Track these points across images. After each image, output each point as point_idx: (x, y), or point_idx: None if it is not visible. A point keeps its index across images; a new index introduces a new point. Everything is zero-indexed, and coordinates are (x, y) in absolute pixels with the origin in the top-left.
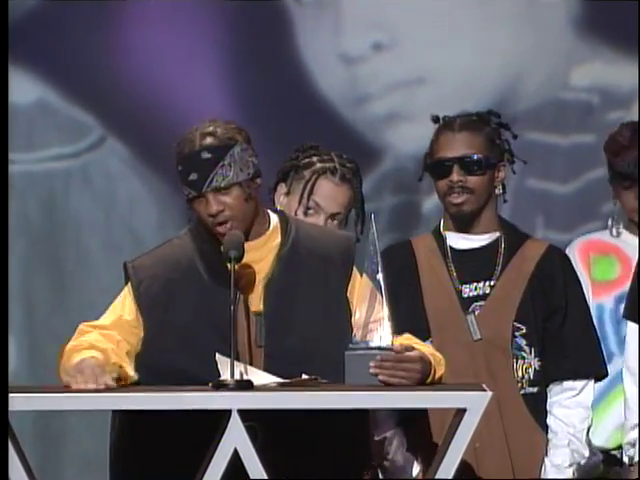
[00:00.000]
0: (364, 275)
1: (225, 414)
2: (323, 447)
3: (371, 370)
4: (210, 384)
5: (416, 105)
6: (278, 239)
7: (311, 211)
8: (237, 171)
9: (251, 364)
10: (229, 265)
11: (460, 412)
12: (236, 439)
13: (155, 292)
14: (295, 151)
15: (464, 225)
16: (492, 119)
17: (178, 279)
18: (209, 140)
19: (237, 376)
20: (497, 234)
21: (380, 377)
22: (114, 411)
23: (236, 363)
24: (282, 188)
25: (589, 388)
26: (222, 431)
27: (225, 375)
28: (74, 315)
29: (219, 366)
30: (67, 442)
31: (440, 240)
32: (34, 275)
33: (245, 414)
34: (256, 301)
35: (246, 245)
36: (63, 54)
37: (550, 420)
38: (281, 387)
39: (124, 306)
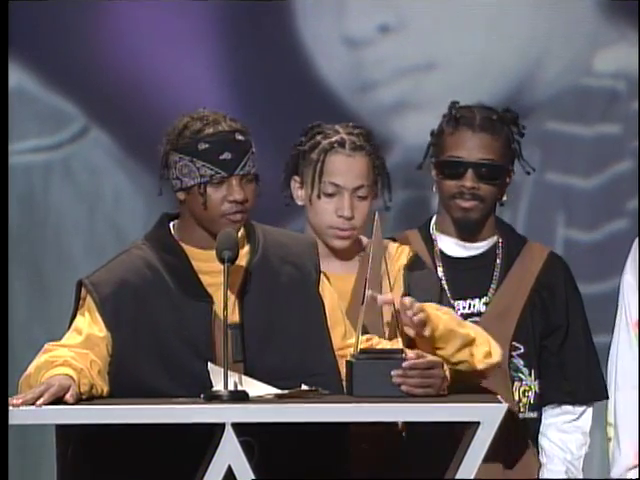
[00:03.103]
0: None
1: (218, 428)
2: (325, 465)
3: (394, 379)
4: (202, 395)
5: (426, 93)
6: (246, 247)
7: (331, 196)
8: (256, 164)
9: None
10: (223, 266)
11: (473, 426)
12: (230, 456)
13: (123, 308)
14: (299, 137)
15: (466, 232)
16: (509, 118)
17: (146, 294)
18: (238, 124)
19: (231, 387)
20: (494, 239)
21: (403, 387)
22: (66, 425)
23: (230, 373)
24: (296, 181)
25: (588, 413)
26: (214, 447)
27: (218, 386)
28: (55, 322)
29: (211, 375)
30: (46, 456)
31: (430, 243)
32: (11, 278)
33: (240, 428)
34: (230, 313)
35: (213, 254)
36: (43, 37)
37: (544, 443)
38: (279, 399)
39: (92, 323)
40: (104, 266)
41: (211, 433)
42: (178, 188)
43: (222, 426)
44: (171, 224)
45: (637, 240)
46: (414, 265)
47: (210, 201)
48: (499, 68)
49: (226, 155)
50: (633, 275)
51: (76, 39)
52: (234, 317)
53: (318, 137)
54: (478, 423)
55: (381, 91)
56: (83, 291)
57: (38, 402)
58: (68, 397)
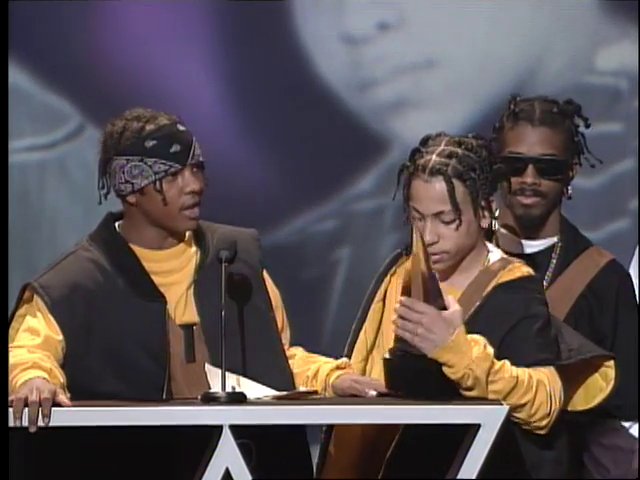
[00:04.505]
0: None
1: (215, 430)
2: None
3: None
4: (199, 397)
5: (426, 91)
6: (194, 247)
7: (418, 220)
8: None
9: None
10: (221, 266)
11: (473, 428)
12: (228, 458)
13: (75, 312)
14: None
15: (528, 229)
16: (572, 110)
17: (98, 296)
18: (174, 116)
19: (229, 388)
20: (554, 240)
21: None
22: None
23: (228, 374)
24: None
25: (633, 430)
26: (212, 450)
27: (215, 387)
28: None
29: (208, 377)
30: None
31: (488, 238)
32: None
33: (238, 430)
34: (180, 313)
35: (163, 254)
36: (37, 35)
37: (585, 458)
38: (277, 400)
39: (46, 326)
40: (51, 268)
41: (209, 435)
42: (129, 191)
43: (220, 428)
44: (116, 224)
45: (639, 247)
46: (513, 285)
47: (168, 197)
48: (500, 66)
49: (175, 147)
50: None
51: (71, 37)
52: (187, 317)
53: (416, 155)
54: (479, 425)
55: (380, 89)
56: (27, 294)
57: (43, 423)
58: (62, 400)
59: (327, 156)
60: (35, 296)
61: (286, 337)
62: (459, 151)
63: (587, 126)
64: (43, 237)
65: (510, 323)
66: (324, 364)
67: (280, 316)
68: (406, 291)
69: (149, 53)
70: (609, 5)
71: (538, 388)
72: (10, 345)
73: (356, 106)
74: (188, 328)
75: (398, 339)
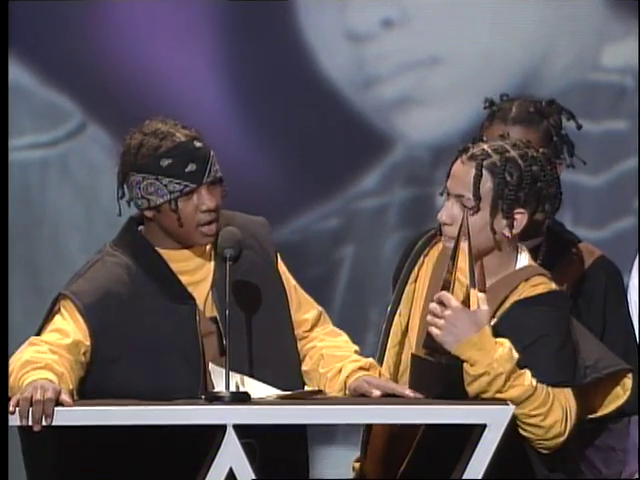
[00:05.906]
0: None
1: (219, 430)
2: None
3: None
4: (203, 396)
5: (430, 88)
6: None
7: (447, 198)
8: (219, 166)
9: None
10: (225, 265)
11: (479, 428)
12: (232, 458)
13: (109, 318)
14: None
15: None
16: (552, 110)
17: (130, 299)
18: (192, 131)
19: (232, 388)
20: (538, 240)
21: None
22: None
23: (232, 373)
24: None
25: (624, 429)
26: (215, 449)
27: (219, 387)
28: None
29: (212, 376)
30: None
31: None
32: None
33: (242, 430)
34: (209, 308)
35: (187, 252)
36: (39, 32)
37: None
38: (281, 400)
39: (76, 330)
40: (80, 277)
41: (212, 435)
42: (146, 207)
43: (223, 428)
44: (139, 228)
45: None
46: (533, 301)
47: (184, 215)
48: (504, 63)
49: (191, 167)
50: None
51: (73, 34)
52: (214, 311)
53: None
54: (485, 425)
55: (384, 86)
56: (57, 305)
57: (46, 422)
58: (65, 400)
59: (330, 154)
60: (66, 302)
61: (309, 314)
62: (510, 152)
63: (578, 127)
64: (44, 235)
65: (528, 341)
66: (349, 363)
67: (294, 296)
68: (446, 285)
69: (151, 51)
70: (614, 3)
71: (554, 405)
72: (34, 338)
73: (360, 104)
74: (217, 323)
75: (428, 336)
